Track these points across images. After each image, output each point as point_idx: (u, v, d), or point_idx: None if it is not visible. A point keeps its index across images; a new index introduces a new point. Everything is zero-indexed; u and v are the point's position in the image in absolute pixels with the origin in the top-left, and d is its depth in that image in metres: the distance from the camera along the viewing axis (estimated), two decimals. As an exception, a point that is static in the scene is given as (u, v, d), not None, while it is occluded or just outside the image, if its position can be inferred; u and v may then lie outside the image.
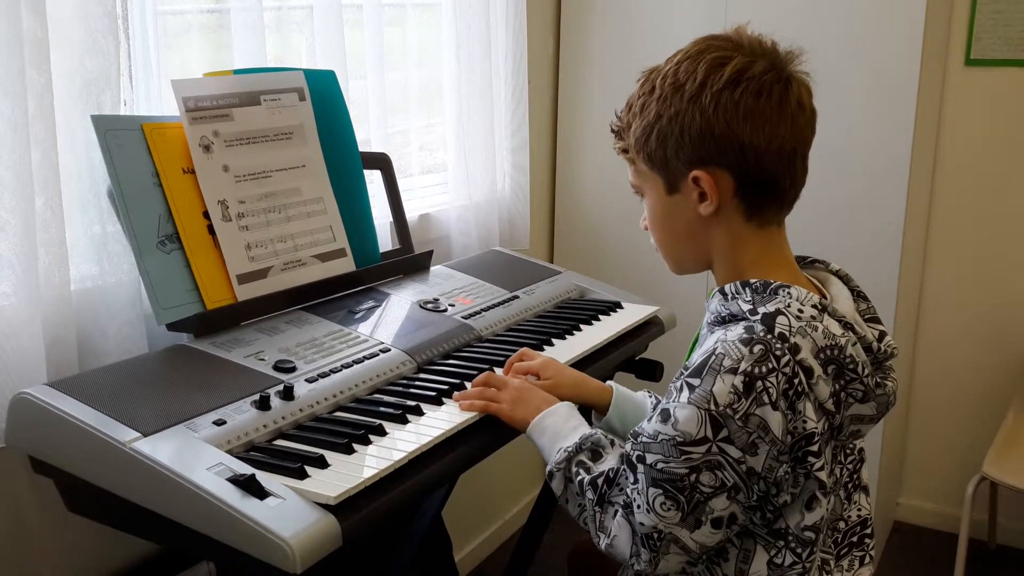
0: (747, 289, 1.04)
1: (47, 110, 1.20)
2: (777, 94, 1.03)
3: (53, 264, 1.22)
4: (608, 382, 1.36)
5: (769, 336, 0.98)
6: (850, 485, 1.13)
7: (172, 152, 1.35)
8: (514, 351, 1.38)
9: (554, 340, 1.54)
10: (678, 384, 1.01)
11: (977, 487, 2.14)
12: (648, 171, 1.10)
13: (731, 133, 1.02)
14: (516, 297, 1.71)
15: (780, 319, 1.00)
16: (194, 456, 1.01)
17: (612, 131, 1.16)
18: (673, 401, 1.01)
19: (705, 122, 1.03)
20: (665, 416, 1.00)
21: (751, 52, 1.04)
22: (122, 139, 1.29)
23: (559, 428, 1.18)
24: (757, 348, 0.97)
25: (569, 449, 1.13)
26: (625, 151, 1.13)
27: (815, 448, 1.00)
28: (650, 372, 1.74)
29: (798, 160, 1.06)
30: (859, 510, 1.15)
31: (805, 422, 0.99)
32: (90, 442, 1.03)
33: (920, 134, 2.24)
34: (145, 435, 1.03)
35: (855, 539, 1.13)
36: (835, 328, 1.02)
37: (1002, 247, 2.49)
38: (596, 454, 1.13)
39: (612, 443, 1.15)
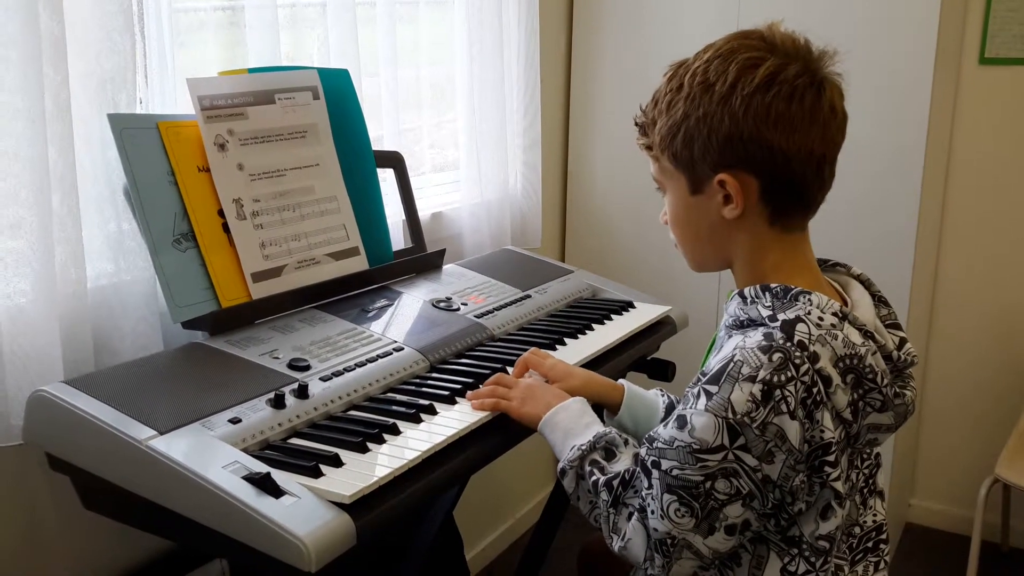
0: (767, 294, 1.03)
1: (64, 108, 1.21)
2: (809, 99, 1.00)
3: (69, 262, 1.23)
4: (620, 380, 1.35)
5: (788, 344, 0.97)
6: (865, 490, 1.12)
7: (187, 150, 1.35)
8: (526, 351, 1.38)
9: (566, 339, 1.53)
10: (695, 390, 1.00)
11: (990, 489, 2.14)
12: (672, 169, 1.08)
13: (760, 138, 1.00)
14: (528, 296, 1.71)
15: (800, 326, 0.98)
16: (209, 454, 1.02)
17: (636, 125, 1.13)
18: (690, 408, 1.00)
19: (734, 125, 1.01)
20: (682, 423, 1.00)
21: (784, 53, 1.02)
22: (138, 137, 1.29)
23: (571, 425, 1.17)
24: (776, 356, 0.96)
25: (583, 447, 1.13)
26: (649, 148, 1.11)
27: (832, 458, 0.99)
28: (662, 372, 1.73)
29: (827, 166, 1.04)
30: (874, 515, 1.14)
31: (823, 431, 0.98)
32: (106, 439, 1.04)
33: (934, 133, 2.23)
34: (161, 433, 1.04)
35: (870, 544, 1.13)
36: (855, 337, 1.01)
37: (1016, 247, 2.47)
38: (610, 453, 1.12)
39: (626, 442, 1.14)
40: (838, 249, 1.27)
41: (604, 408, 1.33)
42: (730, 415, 0.96)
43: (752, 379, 0.96)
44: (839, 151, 1.06)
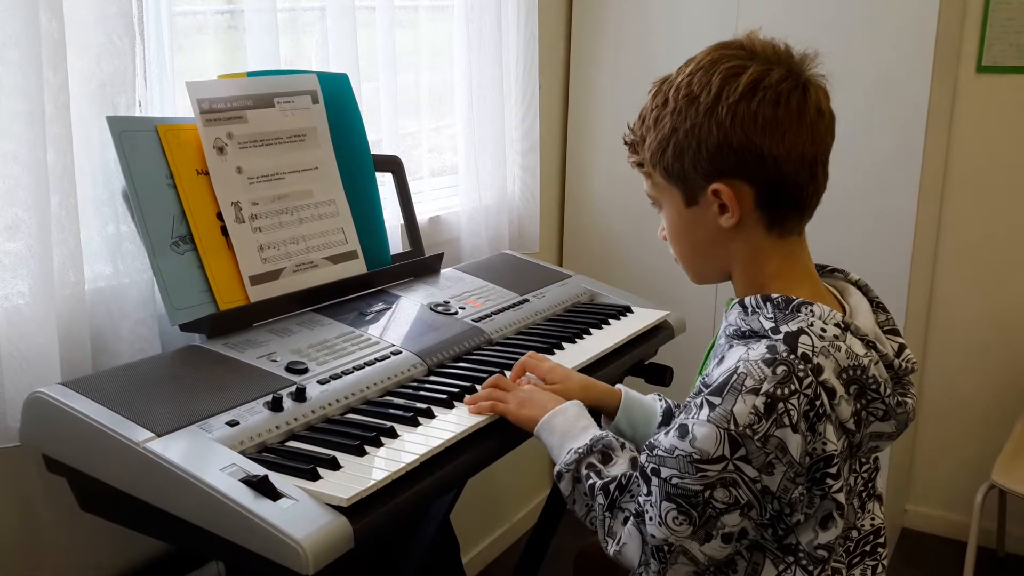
0: (768, 304, 1.03)
1: (63, 110, 1.21)
2: (795, 102, 1.01)
3: (68, 263, 1.23)
4: (617, 386, 1.35)
5: (792, 356, 0.97)
6: (864, 494, 1.12)
7: (186, 153, 1.36)
8: (524, 354, 1.38)
9: (564, 344, 1.54)
10: (698, 400, 1.00)
11: (986, 495, 2.14)
12: (665, 184, 1.08)
13: (750, 145, 1.00)
14: (526, 300, 1.71)
15: (803, 339, 0.98)
16: (207, 456, 1.02)
17: (625, 143, 1.13)
18: (692, 417, 0.99)
19: (723, 134, 1.01)
20: (683, 432, 0.99)
21: (766, 59, 1.02)
22: (137, 140, 1.30)
23: (568, 428, 1.17)
24: (780, 369, 0.96)
25: (579, 450, 1.13)
26: (640, 165, 1.11)
27: (834, 470, 0.99)
28: (660, 377, 1.74)
29: (819, 167, 1.04)
30: (872, 519, 1.14)
31: (825, 444, 0.98)
32: (104, 441, 1.04)
33: (931, 141, 2.24)
34: (158, 435, 1.04)
35: (868, 548, 1.12)
36: (858, 348, 1.01)
37: (1012, 254, 2.48)
38: (607, 456, 1.12)
39: (623, 446, 1.14)
40: (836, 255, 1.27)
41: (601, 413, 1.33)
42: (732, 427, 0.96)
43: (755, 391, 0.96)
44: (830, 152, 1.06)
